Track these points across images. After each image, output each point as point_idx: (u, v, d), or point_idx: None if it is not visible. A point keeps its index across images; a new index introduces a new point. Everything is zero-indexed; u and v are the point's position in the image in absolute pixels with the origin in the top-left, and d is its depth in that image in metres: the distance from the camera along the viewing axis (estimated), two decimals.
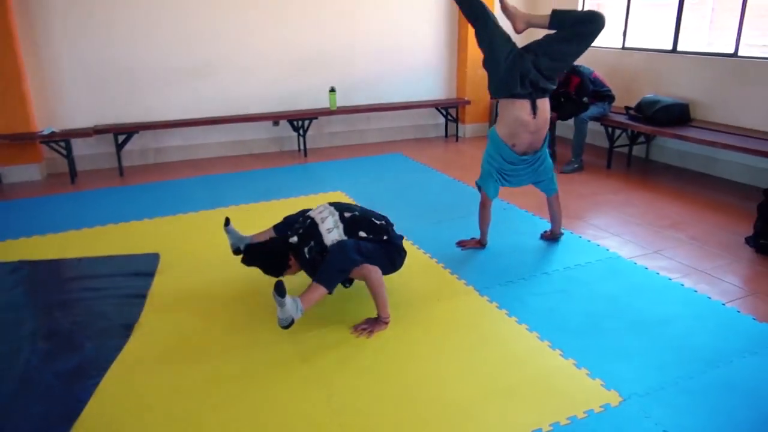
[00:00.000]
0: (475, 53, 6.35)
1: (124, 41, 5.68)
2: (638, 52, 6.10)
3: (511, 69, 3.27)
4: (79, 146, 5.75)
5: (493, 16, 3.38)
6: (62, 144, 5.41)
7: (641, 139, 5.77)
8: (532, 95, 3.29)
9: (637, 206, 4.59)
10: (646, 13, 6.94)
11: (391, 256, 2.93)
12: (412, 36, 6.81)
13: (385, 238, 2.92)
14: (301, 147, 6.45)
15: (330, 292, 2.70)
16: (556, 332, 2.77)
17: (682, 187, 5.10)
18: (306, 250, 2.81)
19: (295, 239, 2.88)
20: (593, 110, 5.56)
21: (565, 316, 2.92)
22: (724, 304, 3.03)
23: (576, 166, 5.58)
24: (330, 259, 2.69)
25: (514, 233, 4.02)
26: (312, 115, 6.31)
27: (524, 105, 3.30)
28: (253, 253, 2.88)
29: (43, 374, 2.45)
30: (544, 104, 3.36)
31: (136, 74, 5.80)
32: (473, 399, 2.31)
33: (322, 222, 2.87)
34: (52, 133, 5.36)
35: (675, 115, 5.26)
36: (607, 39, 6.61)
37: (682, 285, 3.25)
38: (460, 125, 7.22)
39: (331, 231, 2.83)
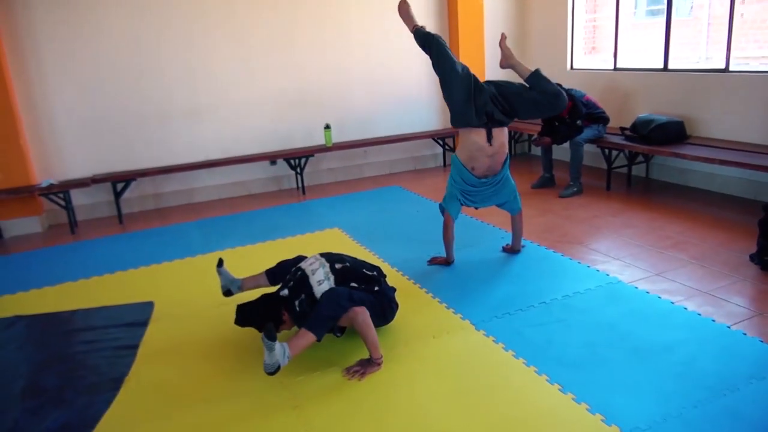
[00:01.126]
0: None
1: (117, 90, 5.77)
2: (630, 72, 6.10)
3: (468, 103, 3.55)
4: (78, 196, 5.79)
5: (454, 59, 3.66)
6: (61, 195, 5.46)
7: (640, 158, 5.72)
8: (488, 125, 3.57)
9: (637, 227, 4.51)
10: (636, 32, 6.98)
11: (382, 308, 2.91)
12: (405, 68, 6.86)
13: (376, 288, 2.90)
14: (299, 185, 6.46)
15: (318, 340, 2.64)
16: (554, 365, 2.68)
17: (683, 204, 5.02)
18: (297, 303, 2.78)
19: (285, 292, 2.85)
20: (588, 133, 5.53)
21: (563, 347, 2.84)
22: (729, 327, 2.93)
23: (575, 189, 5.53)
24: (320, 306, 2.66)
25: (515, 261, 3.95)
26: (308, 153, 6.34)
27: (480, 133, 3.58)
28: (244, 312, 2.82)
29: None
30: (500, 132, 3.63)
31: (132, 121, 5.88)
32: None
33: (313, 274, 2.85)
34: (51, 185, 5.41)
35: (671, 134, 5.21)
36: (598, 60, 6.64)
37: (685, 308, 3.15)
38: (453, 155, 7.19)
39: (322, 283, 2.81)
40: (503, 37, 3.91)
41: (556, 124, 5.66)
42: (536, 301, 3.33)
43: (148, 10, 5.72)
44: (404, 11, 3.92)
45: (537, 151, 7.17)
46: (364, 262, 3.04)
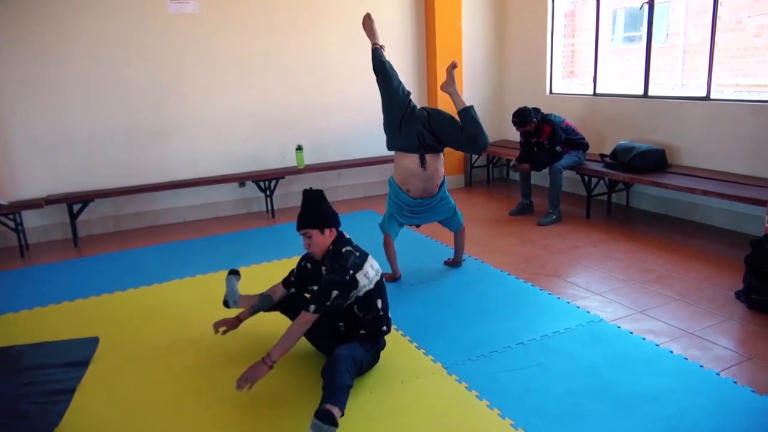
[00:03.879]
0: (446, 105, 6.24)
1: (77, 107, 5.46)
2: (609, 98, 5.99)
3: (403, 128, 3.72)
4: (31, 218, 5.44)
5: (399, 82, 3.84)
6: (11, 217, 5.11)
7: (620, 186, 5.58)
8: (420, 150, 3.70)
9: (619, 259, 4.33)
10: (614, 58, 6.93)
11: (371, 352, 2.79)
12: None
13: (384, 329, 2.84)
14: (269, 207, 6.19)
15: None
16: (531, 417, 2.44)
17: (666, 235, 4.86)
18: (346, 248, 2.71)
19: (347, 236, 2.83)
20: (567, 159, 5.37)
21: (542, 396, 2.60)
22: (718, 374, 2.73)
23: (554, 217, 5.35)
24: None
25: (491, 295, 3.73)
26: (279, 175, 6.08)
27: (413, 157, 3.72)
28: (319, 194, 2.82)
29: None
30: (434, 158, 3.75)
31: (92, 140, 5.57)
32: None
33: (371, 260, 2.81)
34: (0, 206, 5.07)
35: (651, 162, 5.08)
36: (576, 85, 6.54)
37: (671, 351, 2.94)
38: None
39: (374, 268, 2.78)
40: (452, 65, 3.91)
41: (535, 150, 5.50)
42: (513, 342, 3.10)
43: (113, 28, 5.45)
44: (368, 26, 3.99)
45: (516, 176, 7.02)
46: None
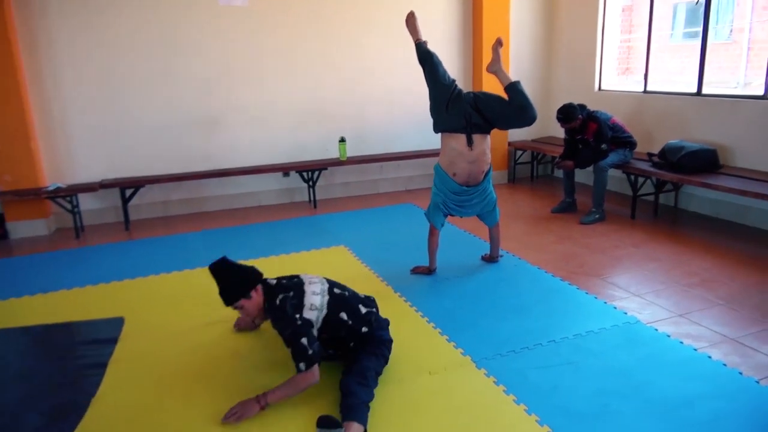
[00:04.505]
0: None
1: (132, 95, 5.69)
2: (661, 95, 5.80)
3: (449, 109, 3.70)
4: (86, 201, 5.71)
5: (444, 71, 3.85)
6: (68, 199, 5.38)
7: (668, 186, 5.41)
8: (467, 129, 3.66)
9: (661, 261, 4.21)
10: (672, 55, 6.70)
11: (365, 351, 2.68)
12: (424, 85, 6.65)
13: (364, 330, 2.69)
14: (311, 198, 6.29)
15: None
16: (558, 415, 2.42)
17: (713, 238, 4.69)
18: (281, 296, 2.57)
19: (273, 281, 2.69)
20: (613, 157, 5.25)
21: (570, 394, 2.58)
22: (758, 382, 2.63)
23: (597, 216, 5.24)
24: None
25: (526, 291, 3.70)
26: (322, 166, 6.18)
27: (460, 138, 3.69)
28: (224, 264, 2.64)
29: None
30: (481, 139, 3.70)
31: (144, 128, 5.79)
32: None
33: (310, 284, 2.67)
34: (58, 188, 5.34)
35: (702, 162, 4.90)
36: (631, 82, 6.37)
37: (710, 357, 2.86)
38: None
39: (316, 294, 2.62)
40: (498, 42, 3.87)
41: (580, 147, 5.39)
42: (545, 339, 3.07)
43: (165, 19, 5.65)
44: (411, 24, 4.01)
45: (559, 173, 6.90)
46: (363, 298, 2.82)
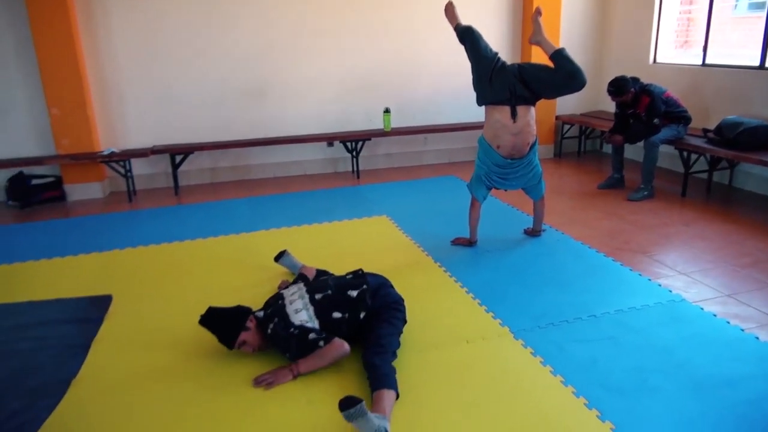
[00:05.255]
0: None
1: (182, 65, 5.82)
2: (720, 68, 5.55)
3: (493, 82, 3.65)
4: (138, 166, 5.91)
5: (486, 44, 3.78)
6: (122, 164, 5.58)
7: (723, 164, 5.21)
8: (511, 101, 3.61)
9: (712, 240, 4.09)
10: (736, 27, 6.37)
11: (378, 324, 2.65)
12: None
13: (362, 315, 2.67)
14: (354, 168, 6.33)
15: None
16: (595, 388, 2.41)
17: None
18: (270, 326, 2.63)
19: (261, 314, 2.73)
20: (665, 133, 5.07)
21: (608, 369, 2.56)
22: None
23: (645, 193, 5.10)
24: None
25: (567, 266, 3.66)
26: (366, 137, 6.19)
27: (504, 110, 3.64)
28: (212, 313, 2.67)
29: None
30: (525, 111, 3.65)
31: (194, 96, 5.92)
32: None
33: (291, 304, 2.71)
34: (112, 153, 5.54)
35: (761, 139, 4.69)
36: (690, 56, 6.10)
37: (757, 338, 2.78)
38: None
39: (299, 312, 2.65)
40: (537, 12, 3.81)
41: (631, 121, 5.23)
42: (585, 314, 3.04)
43: None
44: (450, 12, 4.00)
45: (608, 149, 6.72)
46: (349, 281, 2.78)
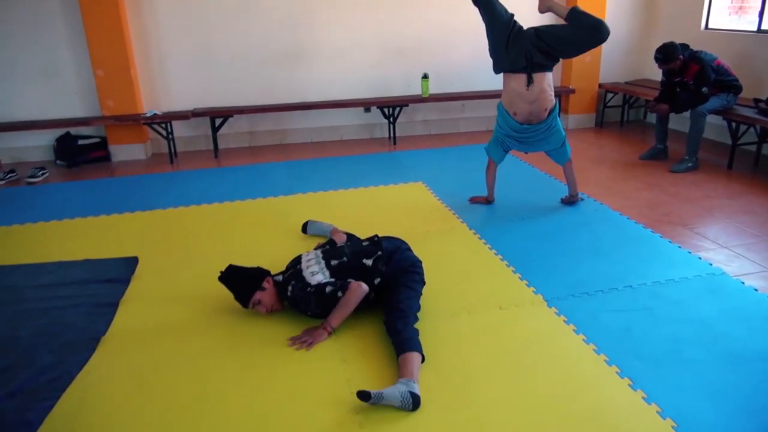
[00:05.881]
0: None
1: (222, 28, 5.84)
2: None
3: (509, 49, 3.62)
4: (179, 128, 6.02)
5: (501, 7, 3.69)
6: (164, 126, 5.70)
7: None
8: (528, 69, 3.60)
9: (757, 214, 3.97)
10: None
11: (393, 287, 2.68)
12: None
13: (377, 281, 2.70)
14: (391, 134, 6.32)
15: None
16: (628, 357, 2.42)
17: None
18: (289, 289, 2.70)
19: (279, 278, 2.80)
20: (714, 102, 4.89)
21: (643, 339, 2.55)
22: None
23: (689, 164, 4.96)
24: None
25: (604, 236, 3.62)
26: (403, 102, 6.15)
27: (520, 78, 3.65)
28: (231, 271, 2.75)
29: None
30: (541, 78, 3.64)
31: (234, 60, 5.96)
32: (520, 425, 2.06)
33: (307, 268, 2.75)
34: (154, 115, 5.65)
35: None
36: (744, 22, 5.82)
37: None
38: (562, 116, 6.71)
39: (315, 274, 2.70)
40: None
41: (678, 90, 5.06)
42: (621, 284, 3.02)
43: None
44: None
45: (652, 118, 6.52)
46: (365, 248, 2.81)
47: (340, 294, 2.59)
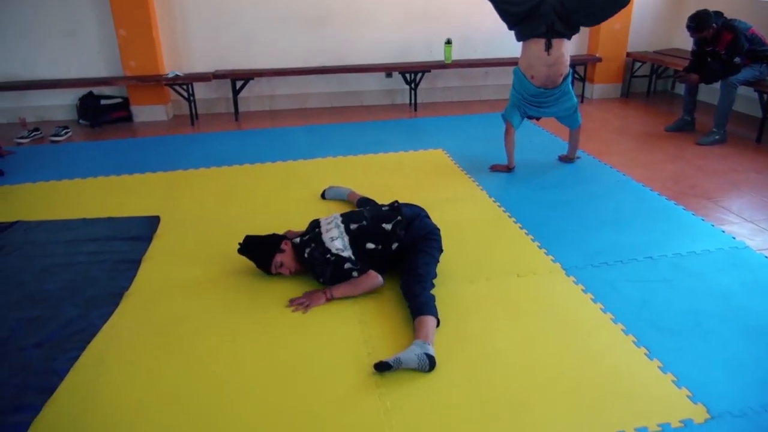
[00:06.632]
0: None
1: None
2: None
3: (530, 17, 3.77)
4: (200, 90, 6.02)
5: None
6: (185, 87, 5.70)
7: None
8: (548, 34, 3.75)
9: None
10: None
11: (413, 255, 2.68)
12: None
13: (395, 246, 2.70)
14: (412, 101, 6.26)
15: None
16: (645, 327, 2.41)
17: None
18: (307, 251, 2.71)
19: (297, 240, 2.80)
20: (746, 73, 4.74)
21: (661, 309, 2.54)
22: None
23: (717, 137, 4.85)
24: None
25: (626, 206, 3.58)
26: (425, 68, 6.07)
27: (540, 42, 3.80)
28: (248, 241, 2.79)
29: (24, 344, 2.35)
30: (559, 43, 3.79)
31: (255, 22, 5.90)
32: (533, 389, 2.07)
33: (327, 232, 2.75)
34: (176, 76, 5.65)
35: None
36: None
37: None
38: (587, 85, 6.58)
39: (335, 239, 2.69)
40: None
41: (709, 59, 4.91)
42: (641, 255, 2.99)
43: None
44: None
45: (680, 89, 6.35)
46: (385, 213, 2.81)
47: (355, 274, 2.61)
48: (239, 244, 2.79)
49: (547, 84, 3.90)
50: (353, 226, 2.75)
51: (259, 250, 2.77)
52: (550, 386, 2.09)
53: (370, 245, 2.69)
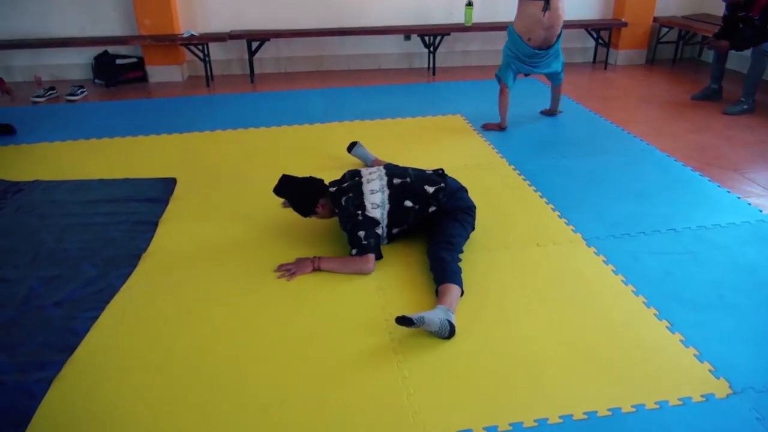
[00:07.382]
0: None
1: None
2: None
3: None
4: (215, 51, 5.93)
5: None
6: (200, 47, 5.61)
7: None
8: None
9: None
10: None
11: (443, 224, 2.65)
12: None
13: (431, 210, 2.65)
14: (430, 65, 6.12)
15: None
16: (668, 300, 2.37)
17: None
18: (344, 198, 2.66)
19: (333, 189, 2.75)
20: None
21: (684, 282, 2.50)
22: None
23: (745, 107, 4.71)
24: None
25: (649, 177, 3.50)
26: (445, 31, 5.92)
27: (538, 5, 3.88)
28: (285, 182, 2.76)
29: (45, 303, 2.36)
30: (557, 3, 3.90)
31: None
32: (553, 359, 2.06)
33: (368, 183, 2.69)
34: (191, 36, 5.56)
35: None
36: None
37: None
38: (611, 51, 6.39)
39: (375, 193, 2.64)
40: None
41: (741, 25, 4.73)
42: (664, 227, 2.94)
43: None
44: None
45: (708, 56, 6.16)
46: (429, 176, 2.75)
47: (354, 252, 2.55)
48: (279, 181, 2.76)
49: (542, 45, 4.03)
50: (397, 181, 2.70)
51: (303, 193, 2.74)
52: (569, 358, 2.07)
53: (408, 203, 2.65)
